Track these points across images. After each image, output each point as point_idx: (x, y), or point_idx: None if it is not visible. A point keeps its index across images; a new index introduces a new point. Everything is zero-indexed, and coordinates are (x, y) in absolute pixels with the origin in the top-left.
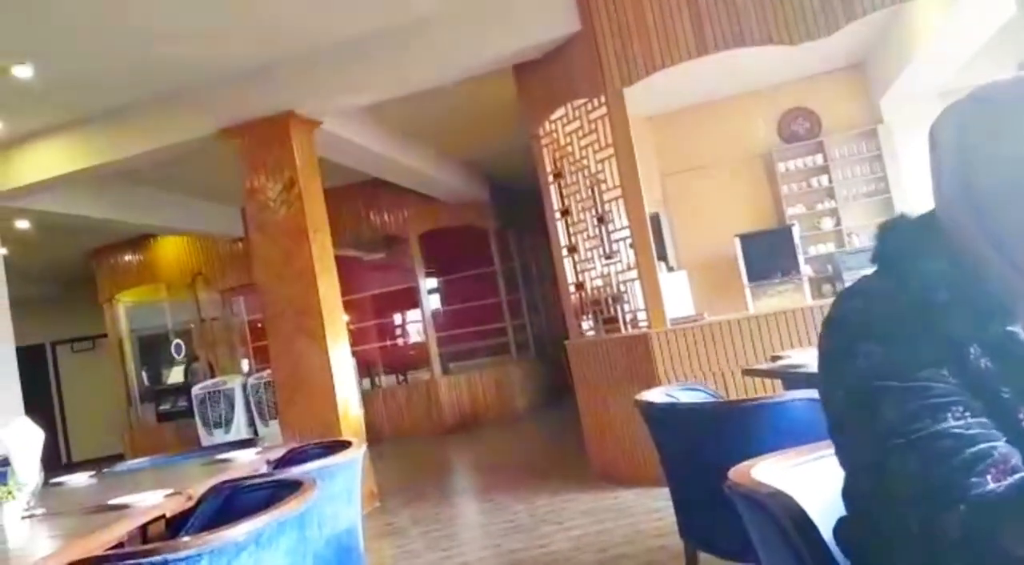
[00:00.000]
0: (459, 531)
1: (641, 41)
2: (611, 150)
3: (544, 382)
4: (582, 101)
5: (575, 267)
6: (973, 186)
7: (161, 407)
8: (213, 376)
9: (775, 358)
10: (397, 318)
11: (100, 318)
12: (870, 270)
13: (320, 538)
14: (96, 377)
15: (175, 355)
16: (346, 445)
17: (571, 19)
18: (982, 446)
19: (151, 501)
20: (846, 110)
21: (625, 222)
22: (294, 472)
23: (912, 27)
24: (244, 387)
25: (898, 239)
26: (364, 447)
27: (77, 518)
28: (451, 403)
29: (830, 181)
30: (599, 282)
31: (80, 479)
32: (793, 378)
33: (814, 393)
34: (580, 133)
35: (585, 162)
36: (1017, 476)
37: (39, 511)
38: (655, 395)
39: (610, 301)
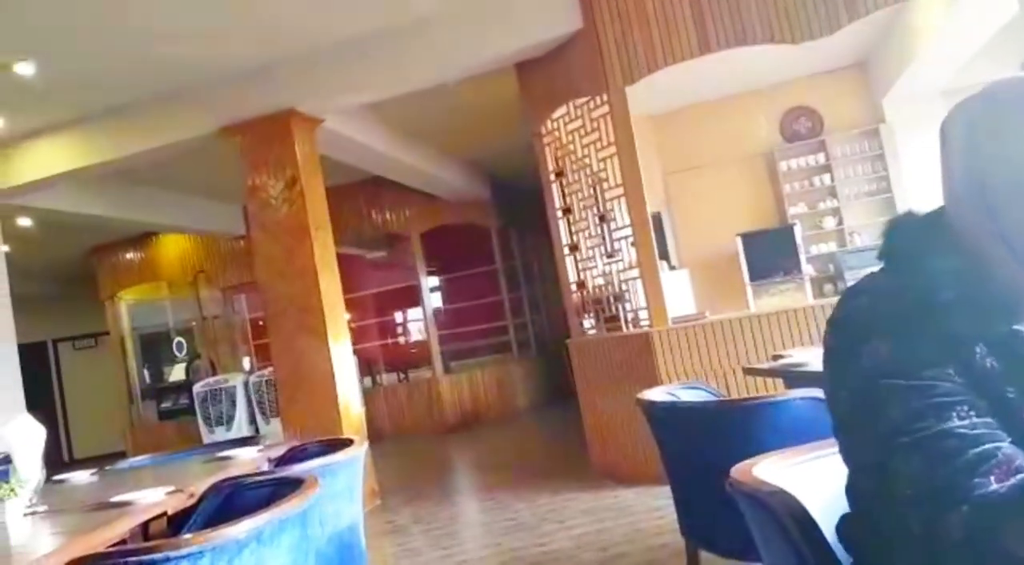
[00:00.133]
0: (460, 529)
1: (643, 39)
2: (613, 149)
3: (545, 381)
4: (584, 99)
5: (577, 266)
6: (983, 184)
7: (162, 405)
8: (214, 374)
9: (776, 357)
10: (398, 316)
11: (102, 316)
12: (872, 269)
13: (322, 536)
14: (98, 375)
15: (177, 353)
16: (347, 443)
17: (573, 17)
18: (986, 447)
19: (153, 498)
20: (848, 109)
21: (627, 221)
22: (296, 470)
23: (914, 26)
24: (245, 385)
25: (905, 236)
26: (366, 445)
27: (79, 515)
28: (452, 401)
29: (832, 180)
30: (600, 281)
31: (82, 476)
32: (794, 377)
33: (815, 392)
34: (582, 131)
35: (587, 161)
36: (1020, 477)
37: (41, 508)
38: (656, 394)
39: (612, 300)
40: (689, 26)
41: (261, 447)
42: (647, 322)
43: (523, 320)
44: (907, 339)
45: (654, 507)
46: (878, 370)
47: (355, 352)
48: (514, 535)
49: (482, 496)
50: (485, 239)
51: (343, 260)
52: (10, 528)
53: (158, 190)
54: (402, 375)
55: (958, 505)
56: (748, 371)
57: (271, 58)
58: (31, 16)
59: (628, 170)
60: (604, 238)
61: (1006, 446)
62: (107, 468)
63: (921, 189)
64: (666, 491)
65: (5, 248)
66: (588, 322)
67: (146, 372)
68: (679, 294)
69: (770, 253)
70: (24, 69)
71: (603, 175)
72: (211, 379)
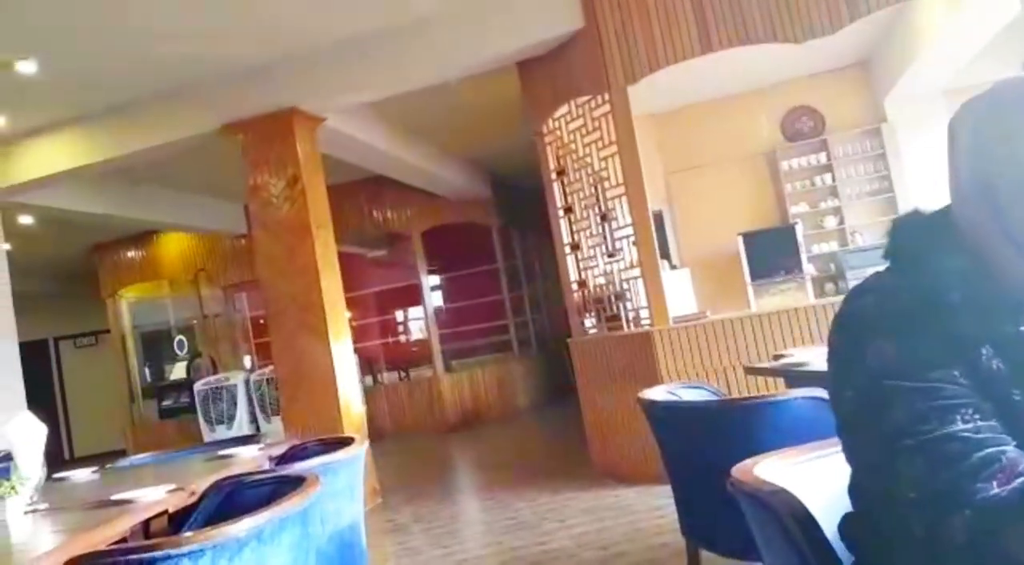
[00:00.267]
0: (460, 528)
1: (645, 38)
2: (614, 148)
3: (546, 380)
4: (585, 98)
5: (578, 265)
6: (990, 184)
7: (163, 403)
8: (215, 372)
9: (778, 356)
10: (399, 315)
11: (103, 314)
12: (876, 268)
13: (323, 534)
14: (98, 373)
15: (177, 351)
16: (348, 441)
17: (574, 16)
18: (990, 451)
19: (153, 497)
20: (850, 108)
21: (628, 220)
22: (297, 468)
23: (916, 26)
24: (246, 383)
25: (911, 235)
26: (366, 444)
27: (80, 513)
28: (453, 400)
29: (833, 180)
30: (602, 280)
31: (83, 475)
32: (796, 376)
33: (817, 391)
34: (583, 130)
35: (588, 160)
36: (1021, 480)
37: (42, 506)
38: (657, 393)
39: (613, 299)
40: (691, 25)
41: (262, 445)
42: (648, 321)
43: (524, 319)
44: (912, 340)
45: (655, 506)
46: (883, 370)
47: (356, 351)
48: (515, 534)
49: (483, 495)
50: (486, 238)
51: (344, 259)
52: (11, 526)
53: (159, 188)
54: (403, 374)
55: (961, 509)
56: (749, 370)
57: (272, 57)
58: (33, 15)
59: (629, 169)
60: (605, 237)
61: (1010, 450)
62: (108, 466)
63: (923, 189)
64: (667, 490)
65: (6, 246)
66: (589, 321)
67: (147, 370)
68: (680, 293)
69: (771, 252)
70: (26, 67)
71: (604, 174)
72: (212, 377)
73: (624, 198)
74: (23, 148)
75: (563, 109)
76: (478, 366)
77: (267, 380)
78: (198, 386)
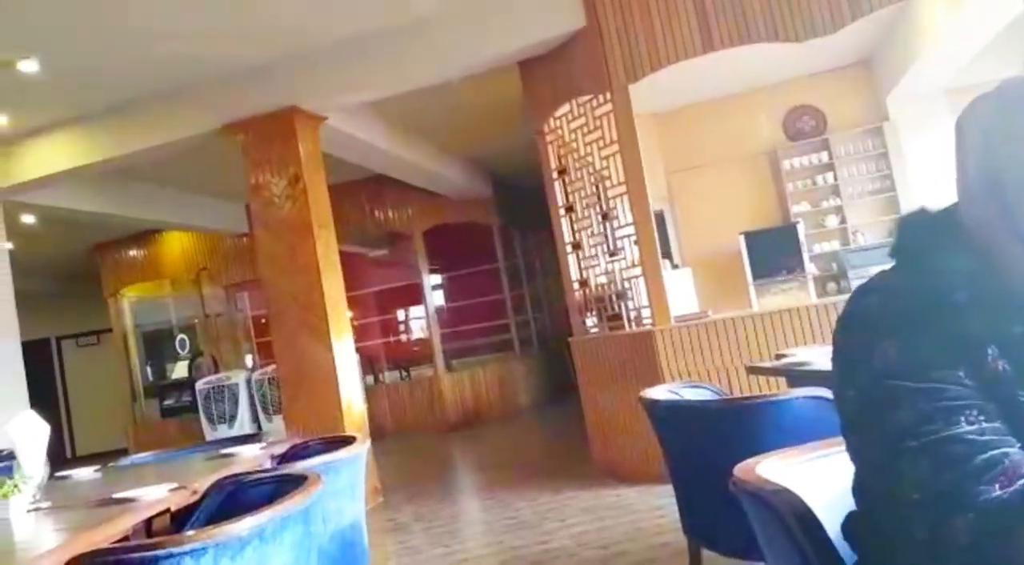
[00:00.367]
0: (461, 527)
1: (646, 38)
2: (616, 147)
3: (547, 379)
4: (587, 97)
5: (579, 264)
6: (997, 182)
7: (165, 402)
8: (217, 371)
9: (779, 356)
10: (401, 314)
11: (105, 313)
12: (876, 268)
13: (324, 533)
14: (100, 372)
15: (179, 350)
16: (350, 440)
17: (576, 15)
18: (993, 453)
19: (156, 495)
20: (852, 107)
21: (629, 219)
22: (298, 467)
23: (919, 24)
24: (248, 382)
25: (917, 234)
26: (368, 443)
27: (82, 512)
28: (454, 399)
29: (835, 179)
30: (603, 279)
31: (85, 473)
32: (797, 376)
33: (818, 391)
34: (585, 129)
35: (590, 159)
36: (1022, 482)
37: (44, 504)
38: (659, 392)
39: (614, 298)
40: (692, 24)
41: (264, 444)
42: (649, 321)
43: (525, 318)
44: (917, 340)
45: (656, 506)
46: (887, 370)
47: (357, 350)
48: (515, 533)
49: (483, 494)
50: (487, 237)
51: (345, 258)
52: (14, 524)
53: (161, 187)
54: (404, 373)
55: (963, 511)
56: (751, 370)
57: (273, 56)
58: (34, 14)
59: (631, 168)
60: (607, 236)
61: (1014, 452)
62: (110, 465)
63: (924, 188)
64: (668, 490)
65: (8, 245)
66: (590, 320)
67: (149, 369)
68: (682, 292)
69: (773, 252)
70: (27, 67)
71: (606, 173)
72: (213, 377)
73: (625, 197)
74: (25, 147)
75: (564, 108)
76: (479, 365)
77: (268, 379)
78: (200, 385)
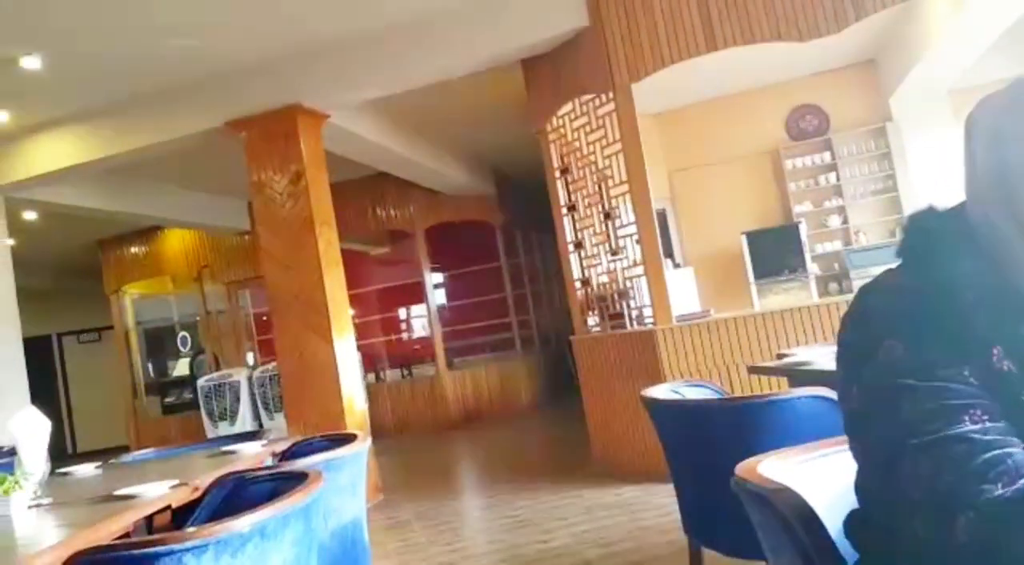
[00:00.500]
0: (462, 526)
1: (650, 37)
2: (618, 146)
3: (549, 378)
4: (590, 97)
5: (581, 263)
6: (1006, 181)
7: (166, 399)
8: (218, 369)
9: (781, 356)
10: (402, 313)
11: (106, 310)
12: (878, 268)
13: (325, 530)
14: (102, 369)
15: (181, 347)
16: (351, 438)
17: (580, 15)
18: (996, 452)
19: (157, 492)
20: (855, 107)
21: (632, 218)
22: (300, 464)
23: (922, 25)
24: (249, 380)
25: (924, 233)
26: (369, 440)
27: (83, 508)
28: (455, 398)
29: (838, 179)
30: (605, 278)
31: (86, 470)
32: (799, 375)
33: (820, 390)
34: (587, 128)
35: (592, 158)
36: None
37: (46, 501)
38: (660, 391)
39: (616, 297)
40: (696, 23)
41: (265, 442)
42: (651, 320)
43: (527, 317)
44: (923, 338)
45: (657, 505)
46: (892, 368)
47: (359, 348)
48: (516, 532)
49: (484, 493)
50: (489, 236)
51: (347, 256)
52: (15, 520)
53: (163, 185)
54: (405, 371)
55: (965, 510)
56: (752, 369)
57: (276, 54)
58: (37, 10)
59: (633, 167)
60: (609, 235)
61: (1017, 452)
62: (111, 462)
63: (927, 188)
64: (669, 489)
65: (11, 241)
66: (592, 319)
67: (150, 366)
68: (683, 292)
69: (775, 251)
70: (30, 63)
71: (608, 172)
72: (215, 374)
73: (627, 196)
74: (27, 144)
75: (567, 107)
76: (481, 364)
77: (270, 377)
78: (201, 382)
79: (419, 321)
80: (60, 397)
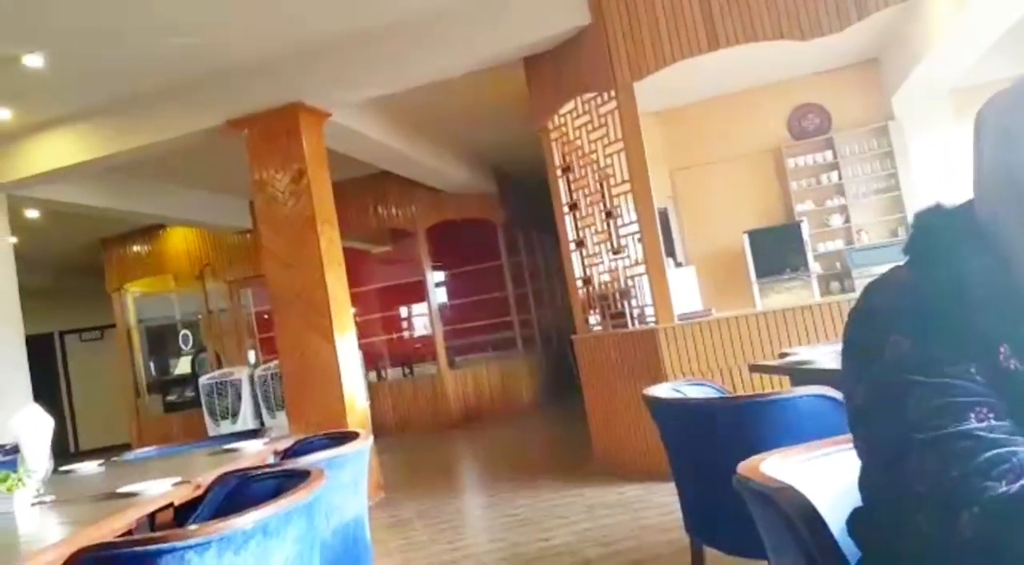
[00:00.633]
0: (463, 524)
1: (652, 35)
2: (620, 144)
3: (550, 377)
4: (592, 95)
5: (583, 262)
6: (1014, 178)
7: (168, 397)
8: (220, 367)
9: (783, 355)
10: (404, 311)
11: (108, 308)
12: (880, 267)
13: (327, 528)
14: (104, 367)
15: (183, 346)
16: (353, 436)
17: (582, 13)
18: (1001, 450)
19: (159, 490)
20: (857, 106)
21: (633, 217)
22: (302, 462)
23: (925, 23)
24: (251, 378)
25: (932, 230)
26: (371, 438)
27: (86, 506)
28: (457, 397)
29: (840, 178)
30: (607, 277)
31: (89, 467)
32: (801, 374)
33: (822, 389)
34: (589, 127)
35: (594, 156)
36: None
37: (48, 498)
38: (662, 390)
39: (618, 296)
40: (698, 22)
41: (267, 440)
42: (653, 319)
43: (528, 316)
44: (930, 335)
45: (658, 503)
46: (898, 365)
47: (360, 347)
48: (517, 530)
49: (486, 491)
50: (491, 234)
51: (349, 255)
52: (18, 518)
53: (165, 183)
54: (407, 370)
55: (969, 506)
56: (754, 368)
57: (278, 52)
58: (39, 9)
59: (635, 166)
60: (610, 234)
61: (1022, 450)
62: (114, 459)
63: (929, 187)
64: (670, 487)
65: (13, 240)
66: (594, 318)
67: (152, 365)
68: (685, 291)
69: (777, 250)
70: (32, 62)
71: (610, 171)
72: (217, 372)
73: (629, 195)
74: (30, 142)
75: (569, 105)
76: (482, 363)
77: (272, 375)
78: (203, 381)
79: (420, 320)
80: (62, 395)
